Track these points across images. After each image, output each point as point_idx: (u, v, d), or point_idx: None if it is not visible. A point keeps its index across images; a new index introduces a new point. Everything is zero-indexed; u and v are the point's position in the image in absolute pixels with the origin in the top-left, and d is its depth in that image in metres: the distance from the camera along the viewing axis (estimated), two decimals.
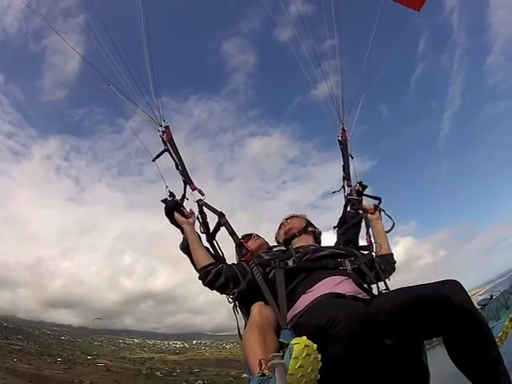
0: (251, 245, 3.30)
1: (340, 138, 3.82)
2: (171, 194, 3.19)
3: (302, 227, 3.34)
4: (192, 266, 3.11)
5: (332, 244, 3.43)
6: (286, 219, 3.49)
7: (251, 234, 3.57)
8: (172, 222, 3.16)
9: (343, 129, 3.83)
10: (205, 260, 2.93)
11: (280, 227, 3.49)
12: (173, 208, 3.11)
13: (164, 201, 3.14)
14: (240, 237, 3.35)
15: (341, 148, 3.79)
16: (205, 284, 2.86)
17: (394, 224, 3.49)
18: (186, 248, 3.12)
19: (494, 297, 2.49)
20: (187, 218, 3.14)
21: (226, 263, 3.04)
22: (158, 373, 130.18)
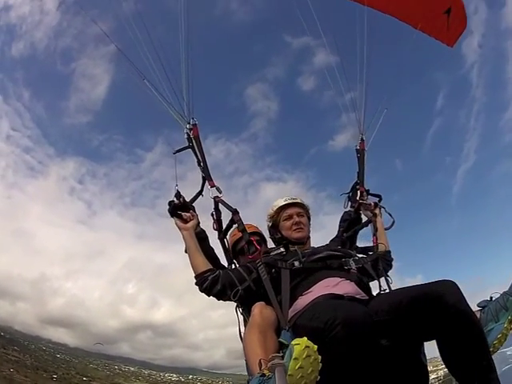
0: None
1: (358, 147, 3.95)
2: (177, 195, 3.19)
3: (309, 232, 3.31)
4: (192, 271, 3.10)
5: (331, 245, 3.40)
6: (298, 215, 3.25)
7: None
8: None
9: (362, 139, 3.97)
10: (202, 266, 2.92)
11: (286, 219, 3.24)
12: (171, 213, 3.13)
13: (168, 204, 3.16)
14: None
15: (357, 156, 3.90)
16: (201, 290, 2.86)
17: (393, 221, 3.51)
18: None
19: (493, 298, 2.48)
20: (187, 221, 3.12)
21: (224, 269, 3.04)
22: None
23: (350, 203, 3.70)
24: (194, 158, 3.42)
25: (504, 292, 2.41)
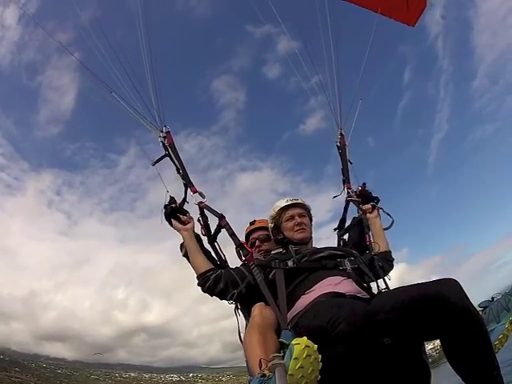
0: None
1: (338, 144, 3.92)
2: (171, 200, 3.19)
3: (311, 233, 3.27)
4: (194, 272, 3.09)
5: (332, 245, 3.34)
6: (300, 216, 3.20)
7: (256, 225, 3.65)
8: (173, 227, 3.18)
9: (341, 134, 3.93)
10: (203, 266, 2.92)
11: (288, 220, 3.19)
12: (170, 215, 3.12)
13: (164, 207, 3.14)
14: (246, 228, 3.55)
15: (339, 153, 3.87)
16: (204, 290, 2.85)
17: (393, 221, 3.47)
18: (186, 254, 3.14)
19: (495, 299, 2.49)
20: (185, 223, 3.14)
21: (225, 269, 3.02)
22: None
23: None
24: (173, 165, 3.38)
25: (506, 293, 2.42)
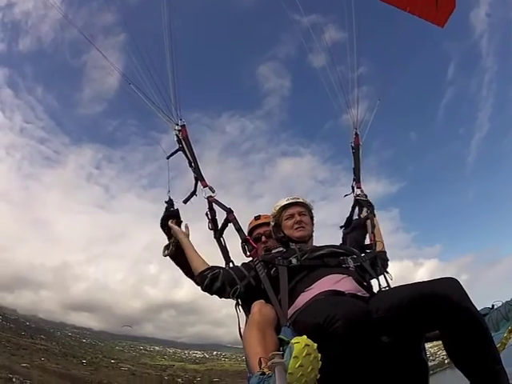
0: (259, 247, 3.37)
1: (353, 143, 3.94)
2: (170, 202, 3.33)
3: (312, 231, 3.32)
4: (182, 272, 3.26)
5: (336, 243, 3.39)
6: (299, 214, 3.24)
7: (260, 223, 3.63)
8: (164, 229, 3.29)
9: (356, 134, 3.95)
10: (201, 266, 2.98)
11: (288, 218, 3.24)
12: (169, 217, 3.25)
13: (168, 207, 3.29)
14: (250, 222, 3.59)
15: (353, 152, 3.89)
16: (203, 289, 2.91)
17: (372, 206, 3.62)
18: (172, 255, 3.24)
19: (495, 306, 2.47)
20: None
21: (224, 268, 3.06)
22: (180, 380, 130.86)
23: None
24: (185, 159, 3.43)
25: (506, 301, 2.41)
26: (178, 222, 3.28)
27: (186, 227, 3.28)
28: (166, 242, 3.27)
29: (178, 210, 3.31)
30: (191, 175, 3.42)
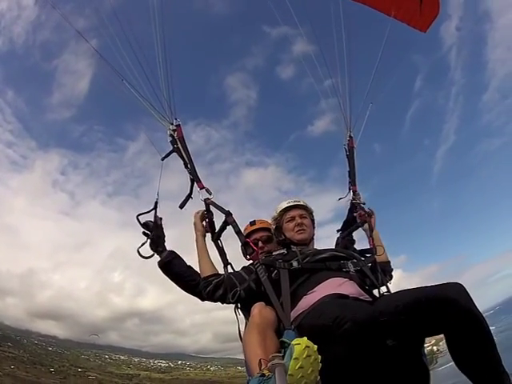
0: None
1: (347, 146, 3.91)
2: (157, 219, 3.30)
3: (313, 234, 3.32)
4: (176, 285, 3.17)
5: (332, 246, 3.44)
6: (300, 217, 3.26)
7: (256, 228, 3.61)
8: (157, 231, 3.25)
9: (350, 136, 3.93)
10: (209, 270, 2.99)
11: (289, 221, 3.26)
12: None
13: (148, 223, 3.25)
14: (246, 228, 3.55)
15: (347, 155, 3.88)
16: (205, 293, 2.89)
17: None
18: (165, 267, 3.17)
19: None
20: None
21: (227, 274, 3.02)
22: None
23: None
24: (180, 160, 3.32)
25: None
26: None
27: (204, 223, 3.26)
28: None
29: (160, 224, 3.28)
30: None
